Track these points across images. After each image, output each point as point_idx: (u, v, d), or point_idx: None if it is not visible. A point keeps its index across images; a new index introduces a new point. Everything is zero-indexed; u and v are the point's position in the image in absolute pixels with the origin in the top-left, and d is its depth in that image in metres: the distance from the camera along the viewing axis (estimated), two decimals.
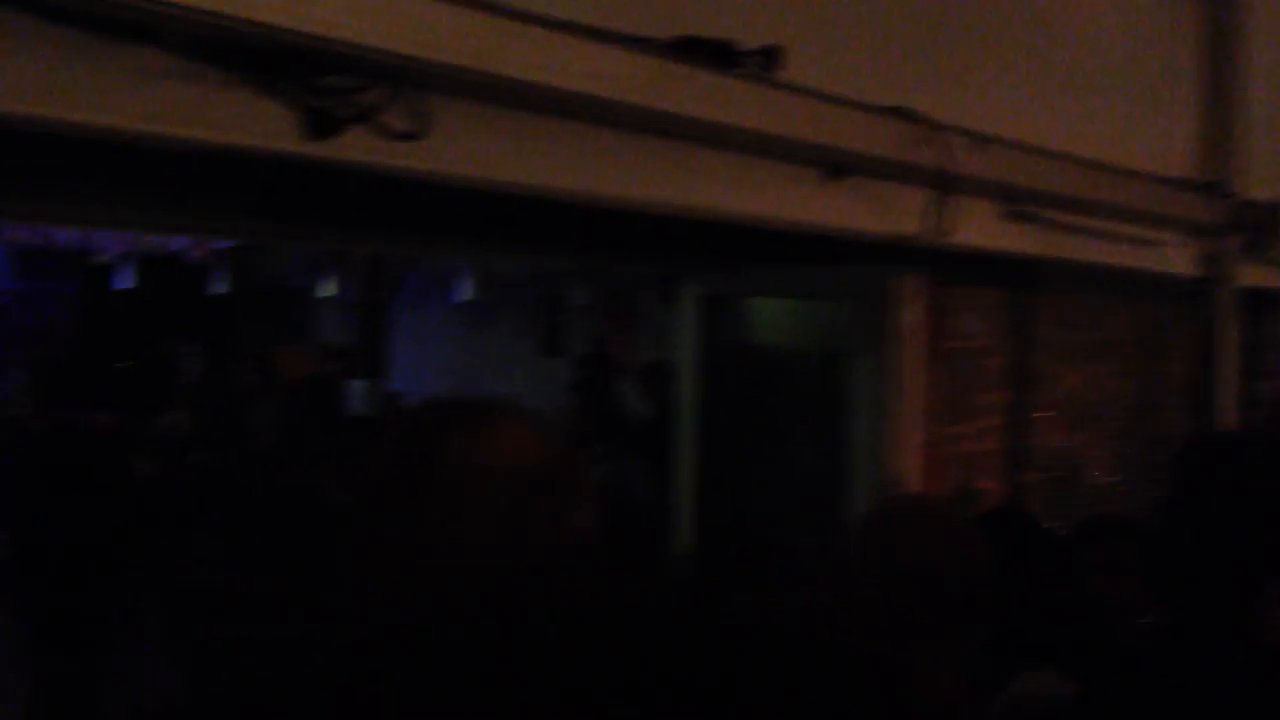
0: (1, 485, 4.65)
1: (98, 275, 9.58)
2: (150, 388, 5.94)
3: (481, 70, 2.26)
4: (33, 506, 4.54)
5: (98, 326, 9.52)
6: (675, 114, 2.68)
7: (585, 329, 8.11)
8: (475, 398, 1.12)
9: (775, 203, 3.24)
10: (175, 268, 9.49)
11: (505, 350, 9.32)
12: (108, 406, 5.08)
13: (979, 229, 3.78)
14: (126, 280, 9.13)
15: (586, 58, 2.44)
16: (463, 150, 2.55)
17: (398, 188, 3.85)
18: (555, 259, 5.33)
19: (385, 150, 2.39)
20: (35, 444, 4.72)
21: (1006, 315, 4.79)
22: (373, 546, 1.03)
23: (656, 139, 2.86)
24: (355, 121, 2.24)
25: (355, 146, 2.34)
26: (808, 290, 4.23)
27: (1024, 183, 3.84)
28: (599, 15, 2.53)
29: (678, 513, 4.53)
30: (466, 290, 7.97)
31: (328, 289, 8.76)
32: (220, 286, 9.41)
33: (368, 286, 7.84)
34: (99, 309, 9.70)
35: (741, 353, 4.58)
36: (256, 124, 2.18)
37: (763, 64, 2.87)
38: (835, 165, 3.30)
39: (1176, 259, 4.88)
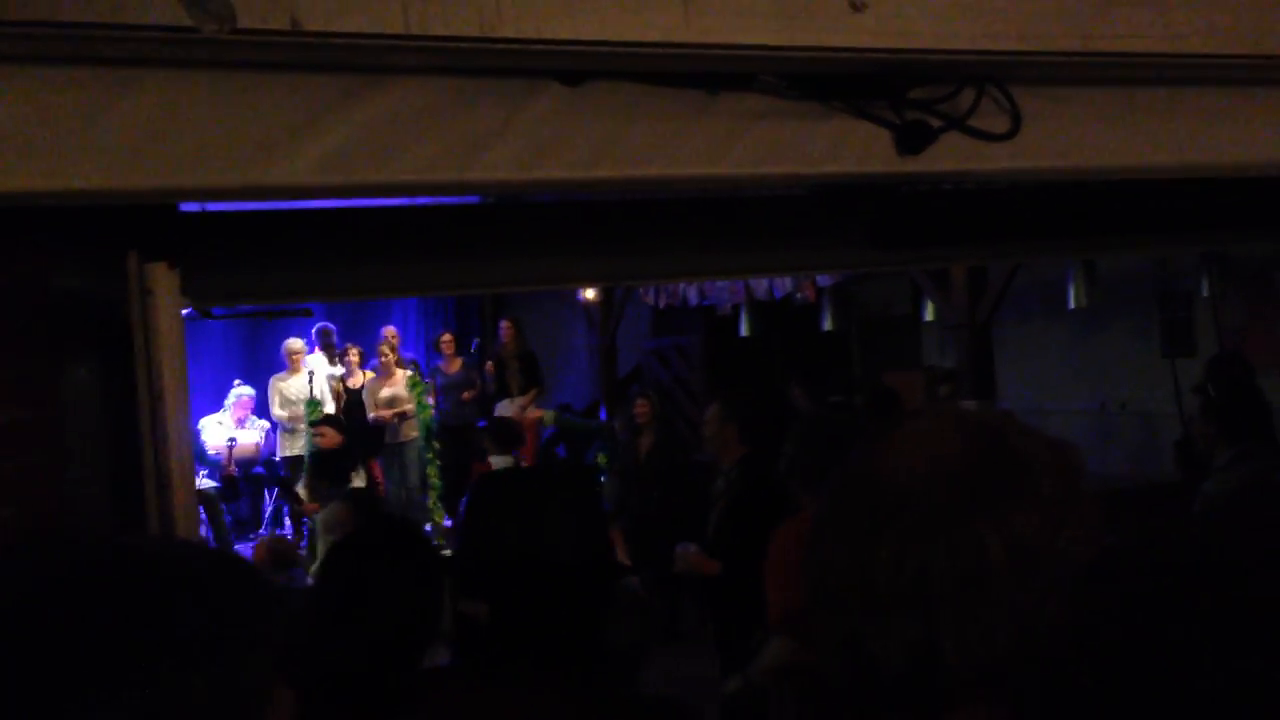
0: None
1: (719, 327, 10.42)
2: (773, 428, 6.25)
3: (1083, 50, 2.10)
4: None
5: (721, 373, 10.31)
6: None
7: (1216, 323, 7.29)
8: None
9: None
10: (784, 311, 10.04)
11: (1121, 355, 8.66)
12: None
13: None
14: (742, 329, 9.83)
15: (1199, 13, 2.18)
16: (1057, 141, 2.39)
17: (993, 196, 3.73)
18: (1178, 245, 4.86)
19: (976, 155, 2.30)
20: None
21: None
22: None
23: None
24: (948, 129, 2.18)
25: (946, 156, 2.28)
26: None
27: None
28: None
29: None
30: (1075, 296, 7.52)
31: (929, 312, 8.74)
32: (825, 323, 9.78)
33: (970, 305, 7.68)
34: (722, 357, 10.53)
35: None
36: (850, 149, 2.20)
37: None
38: None
39: None
